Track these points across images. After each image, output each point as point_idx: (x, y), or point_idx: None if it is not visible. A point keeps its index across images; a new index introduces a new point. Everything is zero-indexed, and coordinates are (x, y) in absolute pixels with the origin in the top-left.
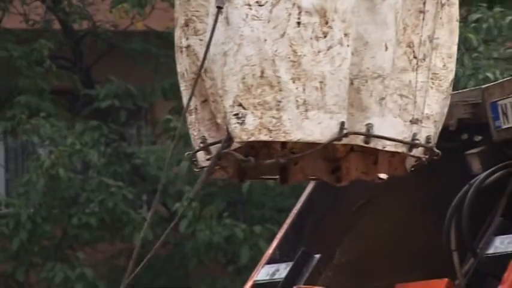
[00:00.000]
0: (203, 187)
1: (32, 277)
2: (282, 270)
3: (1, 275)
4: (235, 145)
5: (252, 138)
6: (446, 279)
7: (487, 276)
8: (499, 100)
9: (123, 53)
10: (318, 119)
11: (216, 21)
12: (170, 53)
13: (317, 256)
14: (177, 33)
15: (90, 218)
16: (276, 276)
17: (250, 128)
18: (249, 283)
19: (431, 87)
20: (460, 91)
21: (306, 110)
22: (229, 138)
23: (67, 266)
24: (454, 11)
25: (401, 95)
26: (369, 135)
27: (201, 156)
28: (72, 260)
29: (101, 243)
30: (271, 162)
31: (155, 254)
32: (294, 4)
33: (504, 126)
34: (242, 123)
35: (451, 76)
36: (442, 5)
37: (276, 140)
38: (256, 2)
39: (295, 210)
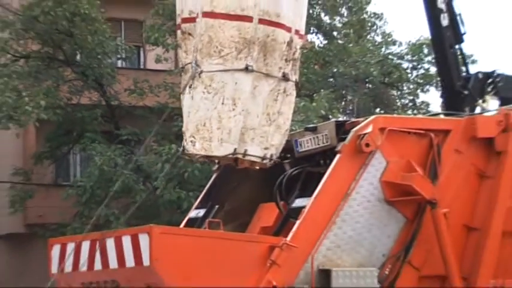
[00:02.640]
0: (171, 173)
1: (92, 213)
2: (201, 212)
3: (77, 212)
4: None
5: (198, 153)
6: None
7: (293, 215)
8: (298, 138)
9: (133, 116)
10: (226, 146)
11: (185, 98)
12: (155, 116)
13: (217, 206)
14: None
15: (117, 187)
16: (199, 215)
17: (198, 148)
18: (186, 218)
19: (276, 132)
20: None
21: (222, 142)
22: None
23: (107, 208)
24: (292, 98)
25: (261, 136)
26: (245, 154)
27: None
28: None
29: (125, 198)
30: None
31: (148, 201)
32: (222, 94)
33: (300, 150)
34: (194, 146)
35: (286, 127)
36: (287, 95)
37: (208, 155)
38: (207, 91)
39: (207, 186)
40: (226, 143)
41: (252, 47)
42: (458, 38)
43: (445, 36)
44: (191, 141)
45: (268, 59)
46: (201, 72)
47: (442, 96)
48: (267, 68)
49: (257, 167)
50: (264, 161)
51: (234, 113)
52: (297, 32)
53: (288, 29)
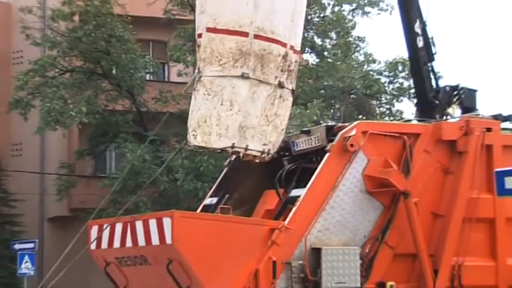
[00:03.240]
0: (189, 167)
1: (124, 200)
2: (214, 200)
3: (112, 199)
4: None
5: (199, 144)
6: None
7: (290, 202)
8: (295, 140)
9: (159, 120)
10: (224, 140)
11: (191, 97)
12: (177, 121)
13: (227, 195)
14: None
15: (145, 179)
16: (212, 202)
17: (199, 141)
18: (202, 204)
19: (274, 130)
20: None
21: (220, 136)
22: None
23: (137, 196)
24: (289, 103)
25: (260, 134)
26: (246, 149)
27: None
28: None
29: (151, 187)
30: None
31: (170, 191)
32: (220, 96)
33: (296, 149)
34: (195, 138)
35: (283, 127)
36: (283, 100)
37: (208, 146)
38: (208, 93)
39: (219, 178)
40: (224, 137)
41: (248, 58)
42: (431, 57)
43: (420, 56)
44: (193, 135)
45: (265, 69)
46: (201, 77)
47: (416, 105)
48: (264, 76)
49: (257, 161)
50: (263, 155)
51: (231, 112)
52: (292, 47)
53: (284, 45)
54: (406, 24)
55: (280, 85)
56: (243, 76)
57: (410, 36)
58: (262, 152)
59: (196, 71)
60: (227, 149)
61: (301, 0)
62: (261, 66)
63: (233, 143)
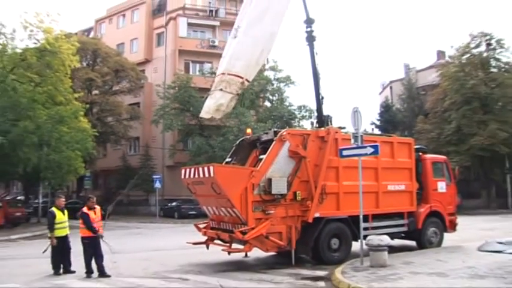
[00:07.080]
0: (220, 146)
1: (195, 160)
2: (229, 159)
3: (189, 159)
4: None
5: (201, 116)
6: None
7: (259, 160)
8: (261, 135)
9: (210, 127)
10: (207, 115)
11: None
12: (216, 128)
13: (234, 157)
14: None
15: (203, 152)
16: (228, 160)
17: (201, 115)
18: (224, 161)
19: (228, 110)
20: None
21: (207, 113)
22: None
23: (199, 157)
24: (237, 100)
25: (223, 112)
26: (220, 119)
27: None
28: (201, 155)
29: (204, 155)
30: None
31: (212, 156)
32: (212, 99)
33: (262, 140)
34: (201, 114)
35: (231, 108)
36: (237, 100)
37: (203, 117)
38: (210, 97)
39: (231, 151)
40: (207, 113)
41: (223, 83)
42: (323, 102)
43: (321, 102)
44: (202, 112)
45: (231, 87)
46: (209, 93)
47: (316, 122)
48: (230, 90)
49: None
50: (219, 119)
51: (213, 103)
52: (246, 79)
53: (241, 77)
54: (316, 87)
55: (237, 94)
56: (220, 90)
57: (317, 92)
58: (221, 119)
59: (209, 91)
60: (209, 118)
61: (255, 58)
62: (229, 86)
63: (212, 116)
